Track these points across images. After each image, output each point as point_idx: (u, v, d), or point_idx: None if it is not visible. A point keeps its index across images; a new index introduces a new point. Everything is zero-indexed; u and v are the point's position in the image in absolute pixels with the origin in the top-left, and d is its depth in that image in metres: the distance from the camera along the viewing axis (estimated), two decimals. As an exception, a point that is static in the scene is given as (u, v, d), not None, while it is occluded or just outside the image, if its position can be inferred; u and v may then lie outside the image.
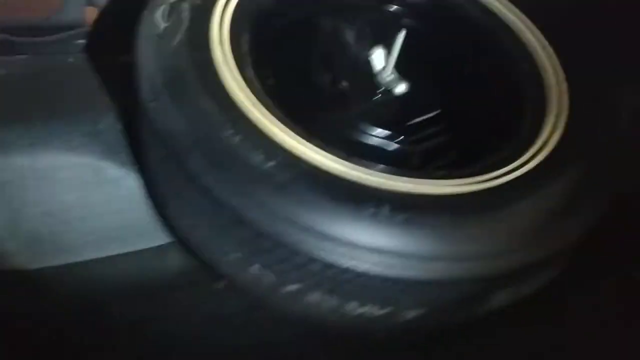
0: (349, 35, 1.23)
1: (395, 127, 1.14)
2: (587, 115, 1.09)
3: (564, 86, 1.12)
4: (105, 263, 1.14)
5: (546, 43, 1.17)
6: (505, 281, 0.96)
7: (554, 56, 1.16)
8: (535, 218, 0.95)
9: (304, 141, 0.94)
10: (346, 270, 0.88)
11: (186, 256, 1.13)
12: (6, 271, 1.10)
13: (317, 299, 0.93)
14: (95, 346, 1.04)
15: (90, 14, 1.36)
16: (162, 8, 1.05)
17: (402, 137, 1.14)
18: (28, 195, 1.08)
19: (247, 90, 0.98)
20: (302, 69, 1.21)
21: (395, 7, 1.28)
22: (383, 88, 1.18)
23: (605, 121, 1.11)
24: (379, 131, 1.14)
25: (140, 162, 1.12)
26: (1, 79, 1.21)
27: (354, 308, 0.94)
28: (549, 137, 1.05)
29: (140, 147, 1.09)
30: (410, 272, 0.88)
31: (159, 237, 1.16)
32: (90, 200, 1.12)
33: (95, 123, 1.14)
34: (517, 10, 1.22)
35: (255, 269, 0.94)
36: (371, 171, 0.93)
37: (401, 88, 1.16)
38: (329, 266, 0.88)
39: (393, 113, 1.17)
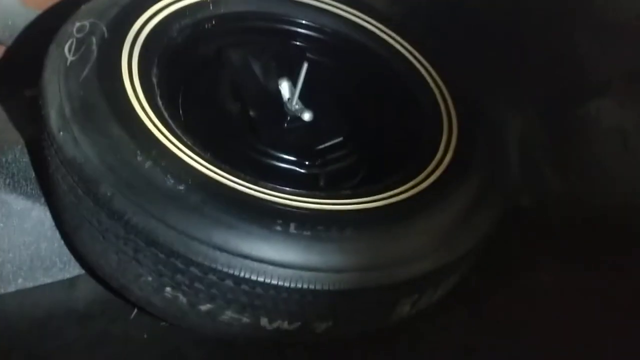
0: (257, 67, 1.29)
1: (302, 153, 1.21)
2: (474, 138, 1.20)
3: (454, 111, 1.23)
4: (16, 297, 1.11)
5: (435, 71, 1.29)
6: (409, 290, 1.03)
7: (442, 84, 1.28)
8: (432, 231, 1.03)
9: (213, 166, 0.98)
10: (255, 286, 0.92)
11: (97, 286, 1.12)
12: None
13: (230, 317, 0.96)
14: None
15: (-4, 50, 1.36)
16: (69, 41, 1.07)
17: (310, 161, 1.21)
18: None
19: (156, 119, 1.01)
20: (211, 99, 1.26)
21: (299, 42, 1.36)
22: (290, 116, 1.24)
23: (491, 142, 1.22)
24: (288, 157, 1.19)
25: (48, 193, 1.12)
26: None
27: (266, 324, 0.97)
28: (442, 157, 1.15)
29: (48, 179, 1.08)
30: (317, 285, 0.93)
31: (68, 269, 1.15)
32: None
33: (1, 154, 1.13)
34: (405, 42, 1.34)
35: (168, 291, 0.95)
36: (278, 193, 0.99)
37: (307, 116, 1.23)
38: (240, 283, 0.92)
39: (300, 139, 1.23)
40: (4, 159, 1.13)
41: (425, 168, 1.13)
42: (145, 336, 1.09)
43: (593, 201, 1.41)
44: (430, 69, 1.30)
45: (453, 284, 1.13)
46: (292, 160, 1.19)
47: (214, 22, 1.26)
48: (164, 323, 1.09)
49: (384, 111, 1.33)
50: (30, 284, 1.14)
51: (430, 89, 1.27)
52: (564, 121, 1.46)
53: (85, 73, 1.02)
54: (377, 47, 1.36)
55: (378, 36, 1.36)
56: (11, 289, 1.13)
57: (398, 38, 1.35)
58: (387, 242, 0.99)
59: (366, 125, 1.31)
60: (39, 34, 1.20)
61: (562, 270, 1.32)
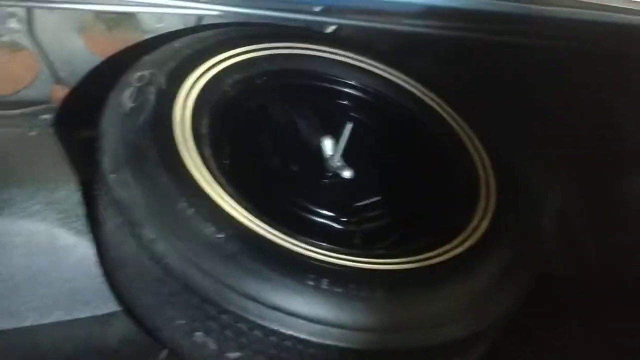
0: (301, 123, 1.33)
1: (340, 209, 1.23)
2: (511, 206, 1.21)
3: (493, 178, 1.24)
4: (50, 329, 1.15)
5: (476, 137, 1.31)
6: (437, 355, 1.02)
7: (482, 149, 1.29)
8: (463, 296, 1.03)
9: (252, 217, 1.01)
10: (284, 339, 0.93)
11: (131, 325, 1.15)
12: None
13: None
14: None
15: (57, 92, 1.44)
16: (129, 89, 1.13)
17: (346, 218, 1.23)
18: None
19: (203, 168, 1.05)
20: (256, 151, 1.30)
21: (343, 101, 1.41)
22: (331, 173, 1.27)
23: (528, 211, 1.23)
24: (325, 212, 1.22)
25: (95, 231, 1.17)
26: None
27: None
28: (478, 224, 1.16)
29: (96, 217, 1.14)
30: (346, 342, 0.94)
31: (105, 305, 1.19)
32: (41, 266, 1.15)
33: (53, 192, 1.19)
34: (447, 105, 1.37)
35: (198, 336, 0.97)
36: (313, 247, 1.01)
37: (347, 174, 1.26)
38: (270, 334, 0.93)
39: (339, 196, 1.26)
40: (57, 195, 1.19)
41: (460, 233, 1.14)
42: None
43: (629, 270, 1.39)
44: (471, 134, 1.32)
45: (482, 351, 1.12)
46: (329, 216, 1.22)
47: (264, 78, 1.31)
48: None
49: (423, 173, 1.35)
50: (67, 317, 1.18)
51: (470, 154, 1.29)
52: (604, 190, 1.45)
53: (140, 120, 1.08)
54: (418, 109, 1.39)
55: (420, 99, 1.39)
56: (49, 320, 1.16)
57: (440, 101, 1.39)
58: (418, 305, 0.99)
59: (404, 186, 1.33)
60: (101, 79, 1.28)
61: (593, 335, 1.29)
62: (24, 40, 1.35)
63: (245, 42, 1.29)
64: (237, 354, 0.97)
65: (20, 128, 1.36)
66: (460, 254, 1.09)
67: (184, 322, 0.98)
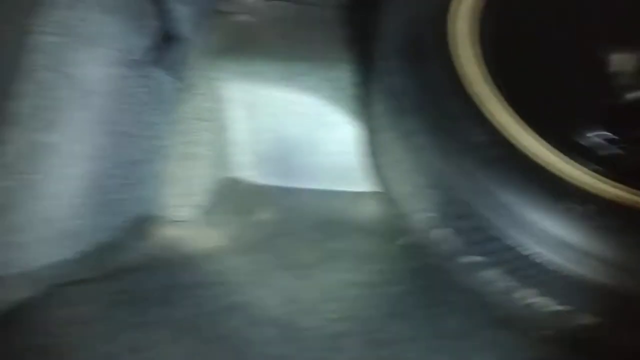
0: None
1: (624, 132, 1.09)
2: None
3: None
4: (311, 194, 1.28)
5: None
6: None
7: None
8: None
9: (522, 128, 0.95)
10: (533, 257, 0.89)
11: (382, 206, 1.22)
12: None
13: (493, 277, 0.96)
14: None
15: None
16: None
17: (629, 144, 1.09)
18: (266, 121, 1.26)
19: (477, 68, 1.01)
20: (539, 67, 1.19)
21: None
22: (620, 92, 1.12)
23: None
24: (606, 134, 1.09)
25: (362, 113, 1.23)
26: (265, 20, 1.39)
27: (527, 296, 0.95)
28: None
29: (365, 100, 1.19)
30: (601, 276, 0.87)
31: (361, 184, 1.26)
32: (313, 137, 1.26)
33: (330, 70, 1.26)
34: None
35: (445, 232, 0.99)
36: (587, 172, 0.92)
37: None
38: (514, 249, 0.90)
39: (624, 118, 1.11)
40: (332, 73, 1.26)
41: None
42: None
43: None
44: None
45: None
46: (610, 139, 1.09)
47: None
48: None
49: None
50: (325, 187, 1.29)
51: None
52: None
53: (421, 10, 1.05)
54: None
55: None
56: (314, 186, 1.29)
57: None
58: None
59: None
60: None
61: None
62: None
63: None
64: (477, 259, 0.97)
65: (313, 6, 1.43)
66: None
67: (433, 215, 1.00)
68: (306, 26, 1.37)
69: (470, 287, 1.06)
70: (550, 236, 0.87)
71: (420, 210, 1.03)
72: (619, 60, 1.13)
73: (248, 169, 1.30)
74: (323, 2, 1.42)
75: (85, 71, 1.06)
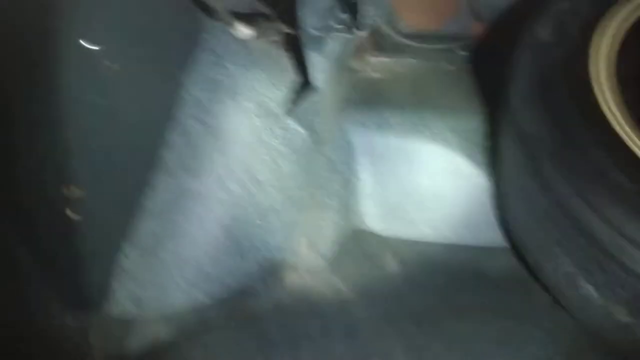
0: None
1: None
2: None
3: None
4: (440, 248, 1.25)
5: None
6: None
7: None
8: None
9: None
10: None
11: (514, 262, 1.16)
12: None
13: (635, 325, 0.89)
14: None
15: (476, 28, 1.49)
16: (547, 22, 1.09)
17: None
18: (394, 172, 1.26)
19: (618, 111, 0.95)
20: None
21: None
22: None
23: None
24: None
25: (494, 164, 1.20)
26: (392, 76, 1.42)
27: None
28: None
29: (497, 150, 1.16)
30: None
31: (492, 238, 1.22)
32: (441, 187, 1.24)
33: (461, 121, 1.26)
34: None
35: (587, 288, 0.92)
36: None
37: None
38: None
39: None
40: (464, 124, 1.25)
41: None
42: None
43: None
44: None
45: None
46: None
47: None
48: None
49: None
50: (455, 240, 1.26)
51: None
52: None
53: (556, 54, 1.03)
54: None
55: None
56: (438, 239, 1.26)
57: None
58: None
59: None
60: (521, 16, 1.26)
61: None
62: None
63: None
64: (623, 309, 0.89)
65: (439, 62, 1.45)
66: None
67: (571, 269, 0.93)
68: (433, 79, 1.39)
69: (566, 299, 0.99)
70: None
71: (558, 265, 0.97)
72: None
73: (375, 220, 1.30)
74: (449, 58, 1.44)
75: (228, 122, 1.14)
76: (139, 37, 1.11)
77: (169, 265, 1.13)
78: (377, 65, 1.44)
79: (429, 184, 1.25)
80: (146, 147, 1.13)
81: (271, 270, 1.20)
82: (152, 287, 1.12)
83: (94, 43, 1.03)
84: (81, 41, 1.02)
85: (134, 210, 1.11)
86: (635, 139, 0.93)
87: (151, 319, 1.11)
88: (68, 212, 1.03)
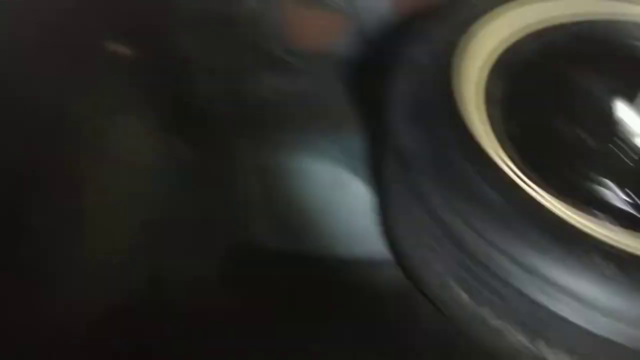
0: (600, 91, 1.19)
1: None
2: None
3: None
4: (333, 263, 1.26)
5: None
6: None
7: None
8: None
9: (535, 185, 0.95)
10: (539, 306, 0.87)
11: (398, 274, 1.19)
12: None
13: (504, 328, 0.94)
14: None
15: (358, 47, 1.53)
16: (420, 44, 1.14)
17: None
18: (286, 188, 1.28)
19: (488, 127, 1.02)
20: (547, 118, 1.21)
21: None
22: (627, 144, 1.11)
23: None
24: (615, 186, 1.08)
25: (374, 178, 1.24)
26: (282, 96, 1.44)
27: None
28: None
29: (379, 166, 1.20)
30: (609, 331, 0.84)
31: (376, 250, 1.25)
32: (329, 203, 1.27)
33: (345, 137, 1.30)
34: None
35: (461, 295, 0.97)
36: (604, 226, 0.91)
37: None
38: (522, 297, 0.88)
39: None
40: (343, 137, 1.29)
41: None
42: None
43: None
44: None
45: None
46: (624, 193, 1.07)
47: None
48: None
49: None
50: (345, 254, 1.26)
51: None
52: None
53: (427, 75, 1.09)
54: None
55: None
56: (329, 252, 1.27)
57: None
58: None
59: None
60: (400, 37, 1.31)
61: None
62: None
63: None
64: (499, 322, 0.94)
65: (327, 81, 1.48)
66: None
67: (446, 276, 0.98)
68: (311, 96, 1.43)
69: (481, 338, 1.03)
70: (559, 285, 0.85)
71: (435, 274, 1.01)
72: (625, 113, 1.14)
73: (264, 235, 1.30)
74: (336, 77, 1.47)
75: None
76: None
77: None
78: (268, 85, 1.46)
79: (317, 199, 1.27)
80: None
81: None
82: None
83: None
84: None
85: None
86: (502, 152, 0.99)
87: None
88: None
